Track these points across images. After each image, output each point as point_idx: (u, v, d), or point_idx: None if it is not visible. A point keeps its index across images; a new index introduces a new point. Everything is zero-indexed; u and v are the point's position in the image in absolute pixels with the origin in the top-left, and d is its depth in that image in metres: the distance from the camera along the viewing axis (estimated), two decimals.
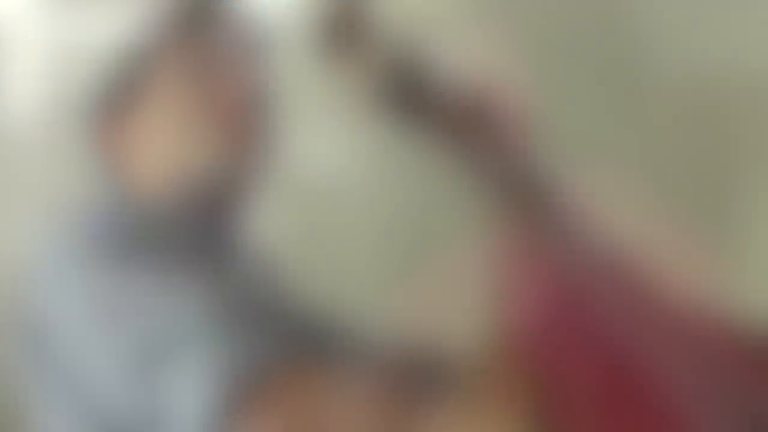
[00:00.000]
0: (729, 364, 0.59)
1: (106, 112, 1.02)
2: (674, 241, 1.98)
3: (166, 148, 0.95)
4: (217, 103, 0.96)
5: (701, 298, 0.75)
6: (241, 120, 0.96)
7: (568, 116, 1.80)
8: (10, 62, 1.71)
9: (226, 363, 0.61)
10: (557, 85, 1.78)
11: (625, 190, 1.96)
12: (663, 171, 1.92)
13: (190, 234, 0.87)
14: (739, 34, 1.85)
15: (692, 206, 1.98)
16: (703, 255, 2.02)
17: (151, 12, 1.04)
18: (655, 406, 0.59)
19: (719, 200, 2.00)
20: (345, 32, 1.11)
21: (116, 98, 1.01)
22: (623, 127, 1.88)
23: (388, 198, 1.88)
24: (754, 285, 1.96)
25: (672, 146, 1.90)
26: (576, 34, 1.78)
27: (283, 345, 0.65)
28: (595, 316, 0.65)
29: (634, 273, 0.67)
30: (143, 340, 0.65)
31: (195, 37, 1.01)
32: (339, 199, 1.85)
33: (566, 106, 1.79)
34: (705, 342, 0.60)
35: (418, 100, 0.99)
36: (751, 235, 2.00)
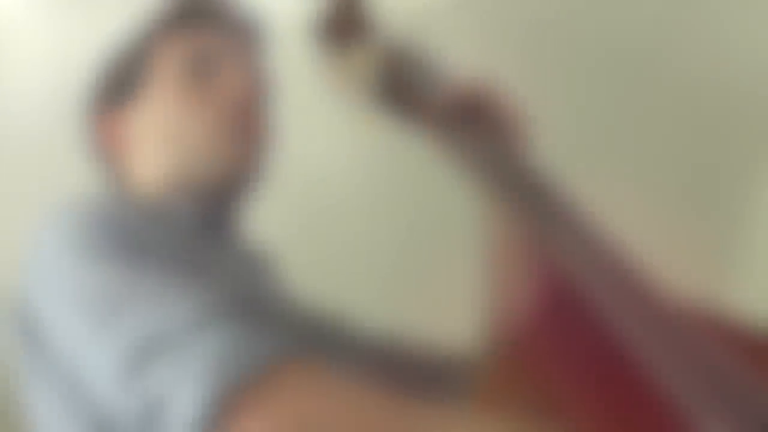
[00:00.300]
0: (729, 362, 0.59)
1: (107, 107, 1.02)
2: (678, 239, 1.98)
3: (167, 144, 0.95)
4: (217, 98, 0.96)
5: (703, 295, 0.75)
6: (241, 115, 0.96)
7: (570, 114, 1.80)
8: (9, 59, 1.71)
9: (225, 360, 0.61)
10: (559, 82, 1.78)
11: (628, 188, 1.96)
12: (667, 169, 1.92)
13: (190, 230, 0.87)
14: (745, 31, 1.85)
15: (696, 204, 1.97)
16: (708, 252, 2.02)
17: (152, 8, 1.04)
18: (653, 404, 0.59)
19: (724, 199, 2.00)
20: (343, 28, 1.10)
21: (117, 94, 1.01)
22: (626, 125, 1.88)
23: (387, 194, 1.88)
24: (757, 282, 1.96)
25: (677, 144, 1.89)
26: (579, 31, 1.78)
27: (282, 342, 0.65)
28: (594, 314, 0.65)
29: (634, 270, 0.67)
30: (142, 337, 0.65)
31: (195, 32, 1.01)
32: (338, 195, 1.85)
33: (568, 104, 1.79)
34: (705, 339, 0.60)
35: (415, 96, 0.99)
36: (756, 234, 2.00)
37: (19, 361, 0.79)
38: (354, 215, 1.87)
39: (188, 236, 0.84)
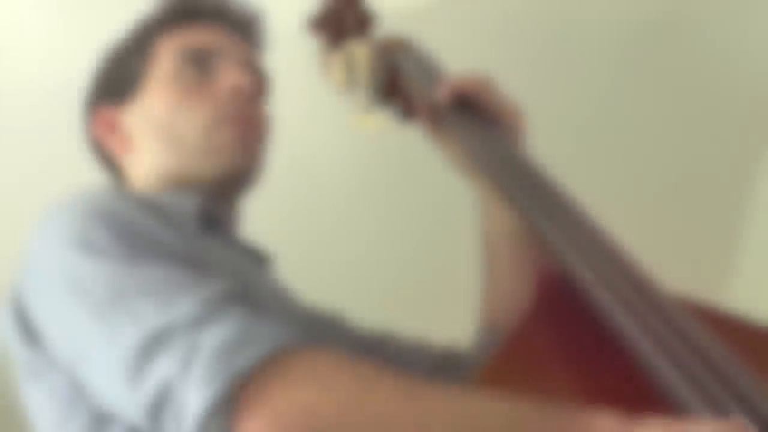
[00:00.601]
0: (727, 356, 0.59)
1: (107, 103, 1.01)
2: (676, 236, 1.96)
3: (167, 139, 0.95)
4: (216, 94, 0.96)
5: (702, 292, 0.75)
6: (239, 111, 0.96)
7: (567, 109, 1.79)
8: (10, 56, 1.71)
9: (228, 353, 0.61)
10: (556, 77, 1.78)
11: (625, 184, 1.95)
12: (665, 166, 1.92)
13: (190, 225, 0.86)
14: (746, 30, 1.84)
15: (696, 202, 1.97)
16: (706, 249, 2.01)
17: (151, 3, 1.04)
18: (648, 395, 0.59)
19: (723, 197, 1.99)
20: (340, 23, 1.10)
21: (116, 90, 1.01)
22: (624, 121, 1.88)
23: (383, 191, 1.87)
24: (756, 281, 1.96)
25: (676, 141, 1.89)
26: (575, 27, 1.78)
27: (285, 333, 0.65)
28: (590, 308, 0.65)
29: (632, 264, 0.67)
30: (146, 333, 0.64)
31: (194, 28, 1.01)
32: (335, 190, 1.85)
33: (565, 99, 1.79)
34: (703, 333, 0.60)
35: (411, 90, 0.99)
36: (756, 233, 1.99)
37: (18, 357, 0.79)
38: (350, 211, 1.86)
39: (189, 232, 0.83)
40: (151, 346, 0.64)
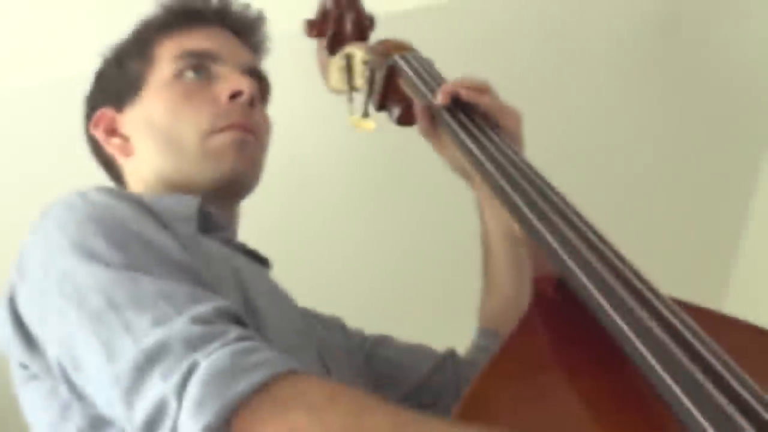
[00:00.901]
0: (727, 360, 0.58)
1: (108, 105, 1.01)
2: (677, 237, 1.96)
3: (167, 142, 0.94)
4: (216, 97, 0.96)
5: (702, 294, 0.75)
6: (239, 114, 0.96)
7: (565, 110, 1.79)
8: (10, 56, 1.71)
9: (224, 375, 0.60)
10: (556, 76, 1.78)
11: (624, 185, 1.94)
12: (665, 167, 1.92)
13: (190, 229, 0.86)
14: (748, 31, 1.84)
15: (696, 204, 1.97)
16: (708, 250, 2.00)
17: (152, 6, 1.04)
18: (648, 403, 0.59)
19: (725, 197, 1.99)
20: (339, 26, 1.10)
21: (118, 92, 1.01)
22: (625, 119, 1.87)
23: (382, 191, 1.87)
24: (756, 282, 1.95)
25: (677, 141, 1.89)
26: (573, 27, 1.78)
27: (280, 355, 0.64)
28: (587, 311, 0.65)
29: (632, 265, 0.67)
30: (142, 347, 0.63)
31: (194, 31, 1.01)
32: (333, 193, 1.85)
33: (563, 100, 1.79)
34: (701, 335, 0.60)
35: (408, 92, 0.99)
36: (756, 234, 1.99)
37: (14, 357, 0.79)
38: (348, 214, 1.86)
39: (188, 235, 0.82)
40: (146, 365, 0.62)
